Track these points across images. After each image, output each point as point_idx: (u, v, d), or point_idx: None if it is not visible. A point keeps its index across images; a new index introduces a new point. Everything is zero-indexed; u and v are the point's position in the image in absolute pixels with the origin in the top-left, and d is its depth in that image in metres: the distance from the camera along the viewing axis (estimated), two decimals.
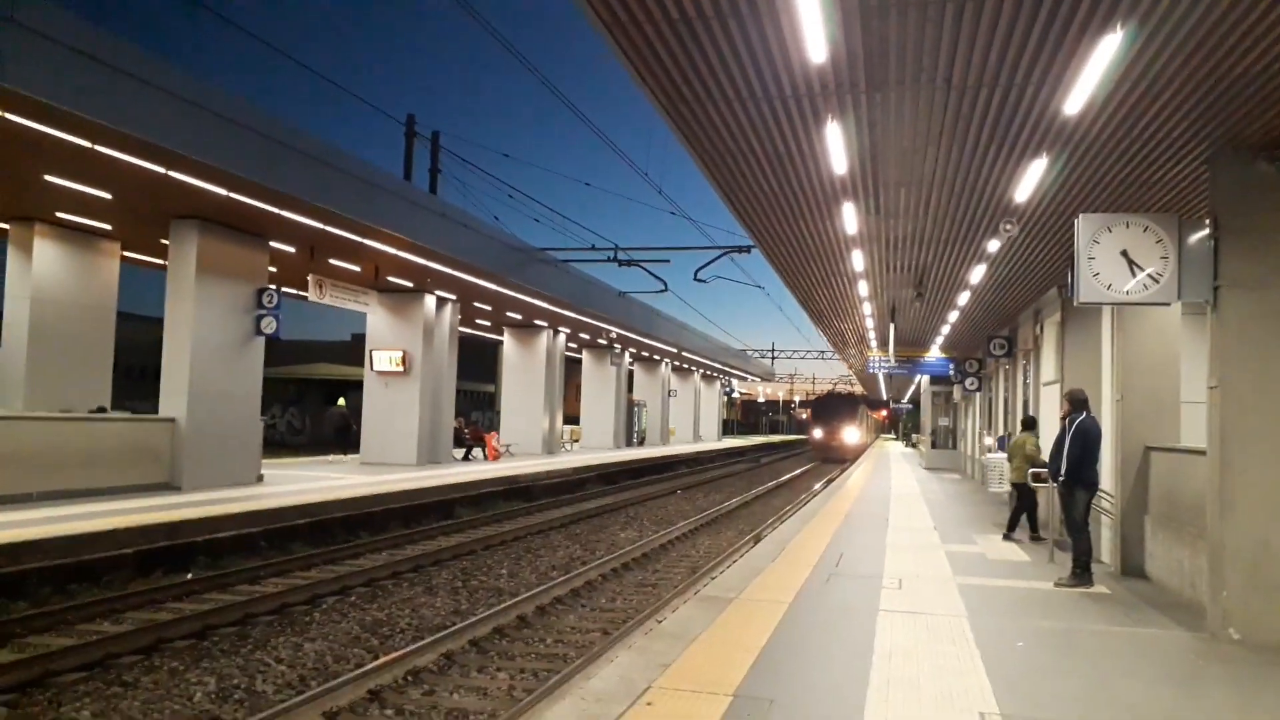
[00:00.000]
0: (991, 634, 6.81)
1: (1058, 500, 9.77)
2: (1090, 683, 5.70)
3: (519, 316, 29.47)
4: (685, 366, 52.28)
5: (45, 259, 16.48)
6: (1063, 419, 9.41)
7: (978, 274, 13.63)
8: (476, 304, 26.47)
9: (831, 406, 49.43)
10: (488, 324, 32.04)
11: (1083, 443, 8.97)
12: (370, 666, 7.35)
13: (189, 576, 10.94)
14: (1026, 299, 16.20)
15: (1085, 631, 7.12)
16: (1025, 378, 18.01)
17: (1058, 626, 7.24)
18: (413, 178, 23.04)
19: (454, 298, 25.08)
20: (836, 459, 44.34)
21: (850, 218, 10.44)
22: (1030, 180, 8.53)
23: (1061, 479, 9.11)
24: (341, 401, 39.15)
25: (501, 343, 33.61)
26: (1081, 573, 8.92)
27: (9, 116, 10.47)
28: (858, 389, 66.36)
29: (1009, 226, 10.14)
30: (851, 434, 47.56)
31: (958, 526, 13.79)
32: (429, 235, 18.41)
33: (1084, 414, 9.17)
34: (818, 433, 48.49)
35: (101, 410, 16.40)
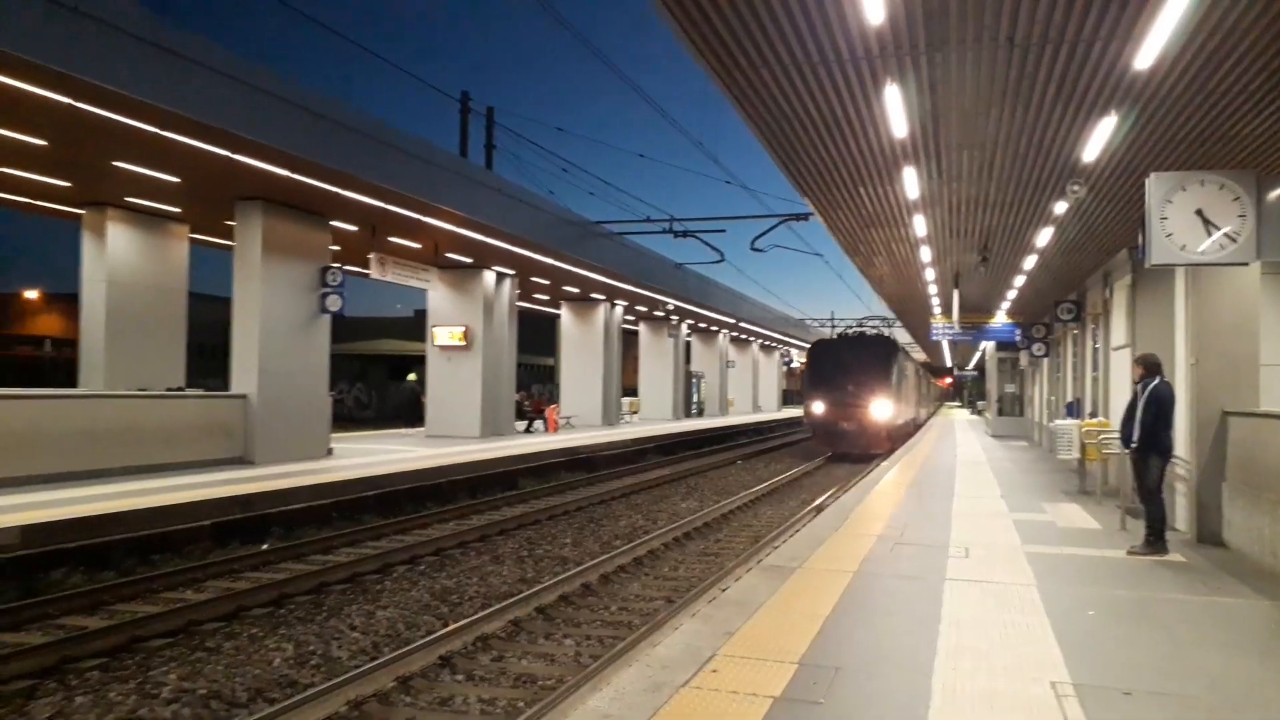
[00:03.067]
0: (1062, 602, 6.71)
1: (1130, 467, 9.55)
2: (1166, 652, 5.59)
3: (576, 290, 29.60)
4: (743, 337, 52.03)
5: (118, 243, 17.02)
6: (1135, 384, 9.17)
7: (1044, 237, 13.31)
8: (534, 278, 26.65)
9: (843, 360, 27.93)
10: (546, 298, 32.26)
11: (1156, 408, 8.73)
12: (441, 633, 7.53)
13: (265, 547, 11.30)
14: (1095, 262, 15.78)
15: (1160, 600, 6.97)
16: (1094, 342, 17.57)
17: (1131, 595, 7.11)
18: (468, 154, 23.21)
19: (512, 273, 25.28)
20: (856, 451, 26.88)
21: (911, 182, 10.26)
22: (1098, 139, 8.28)
23: (1135, 446, 8.89)
24: (412, 376, 39.79)
25: (559, 316, 33.84)
26: (1156, 540, 8.72)
27: (81, 105, 10.79)
28: (901, 334, 41.05)
29: (1076, 188, 9.87)
30: (881, 407, 27.00)
31: (1026, 494, 13.57)
32: (486, 211, 18.56)
33: (1157, 379, 8.91)
34: (819, 406, 27.70)
35: (178, 388, 16.95)
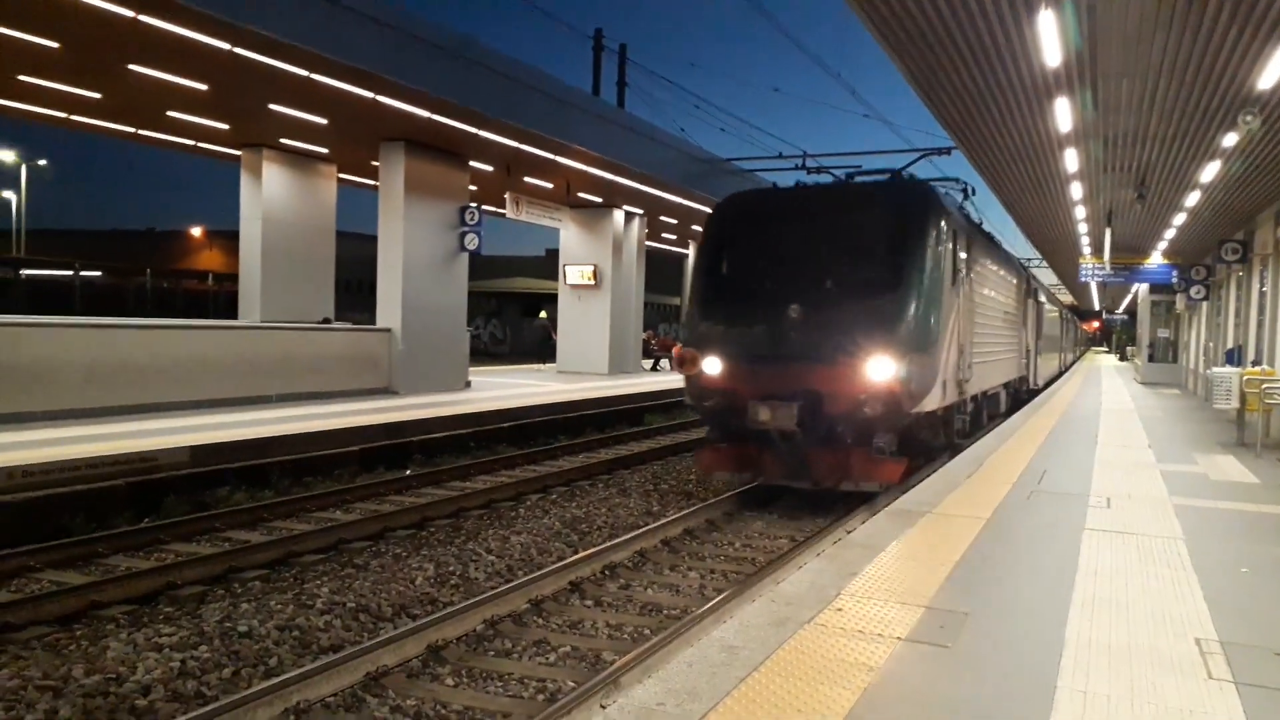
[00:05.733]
0: (1212, 558, 6.39)
1: None
2: None
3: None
4: None
5: (273, 182, 17.93)
6: None
7: (1210, 172, 12.38)
8: (663, 217, 26.63)
9: (788, 241, 10.16)
10: (673, 238, 32.20)
11: None
12: (570, 560, 7.80)
13: (408, 472, 11.90)
14: (1267, 198, 14.58)
15: None
16: (1262, 285, 16.34)
17: None
18: (600, 92, 23.23)
19: (641, 212, 25.34)
20: (803, 482, 9.93)
21: (1063, 114, 9.69)
22: (1277, 65, 7.60)
23: None
24: (544, 314, 40.67)
25: (686, 256, 33.74)
26: None
27: (240, 51, 11.34)
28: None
29: (1249, 118, 9.13)
30: (881, 367, 9.07)
31: (1176, 445, 12.87)
32: (617, 150, 18.61)
33: None
34: (713, 363, 9.91)
35: (327, 321, 17.88)
